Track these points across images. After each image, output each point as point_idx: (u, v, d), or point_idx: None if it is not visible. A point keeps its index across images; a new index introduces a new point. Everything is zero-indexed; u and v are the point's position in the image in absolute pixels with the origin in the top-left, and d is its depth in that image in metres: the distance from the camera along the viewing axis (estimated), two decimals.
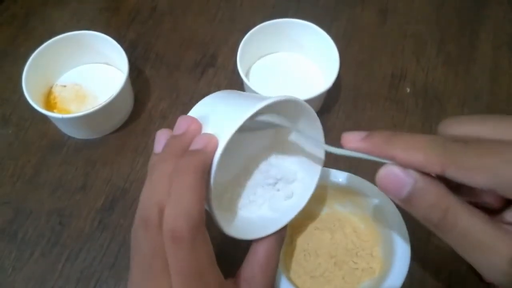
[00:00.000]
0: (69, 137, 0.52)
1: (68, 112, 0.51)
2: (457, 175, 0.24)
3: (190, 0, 0.62)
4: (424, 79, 0.56)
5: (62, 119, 0.48)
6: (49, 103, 0.52)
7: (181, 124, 0.29)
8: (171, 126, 0.52)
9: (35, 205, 0.48)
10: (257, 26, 0.51)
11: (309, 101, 0.47)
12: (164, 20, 0.61)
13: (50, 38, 0.50)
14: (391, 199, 0.28)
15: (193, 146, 0.27)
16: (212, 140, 0.27)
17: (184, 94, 0.55)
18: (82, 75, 0.55)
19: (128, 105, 0.53)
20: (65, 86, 0.54)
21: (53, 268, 0.44)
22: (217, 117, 0.29)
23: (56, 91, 0.53)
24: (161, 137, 0.30)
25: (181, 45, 0.59)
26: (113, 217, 0.47)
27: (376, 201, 0.41)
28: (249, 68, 0.55)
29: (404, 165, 0.26)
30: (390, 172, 0.26)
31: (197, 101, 0.54)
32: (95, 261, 0.45)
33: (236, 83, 0.55)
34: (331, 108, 0.54)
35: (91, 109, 0.46)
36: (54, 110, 0.51)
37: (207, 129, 0.29)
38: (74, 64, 0.55)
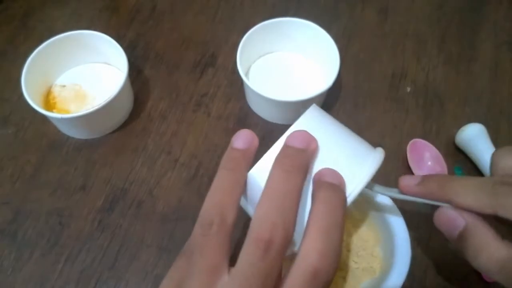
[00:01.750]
0: (69, 137, 0.52)
1: (68, 112, 0.51)
2: (508, 215, 0.27)
3: (190, 0, 0.62)
4: (424, 79, 0.56)
5: (62, 119, 0.47)
6: (48, 103, 0.52)
7: (299, 137, 0.27)
8: (170, 126, 0.52)
9: (34, 205, 0.48)
10: (257, 26, 0.51)
11: (309, 101, 0.47)
12: (164, 20, 0.61)
13: (49, 37, 0.50)
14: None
15: (335, 180, 0.26)
16: (344, 181, 0.26)
17: (184, 94, 0.55)
18: (81, 75, 0.54)
19: (127, 105, 0.53)
20: (64, 86, 0.54)
21: (52, 268, 0.44)
22: (333, 153, 0.27)
23: (56, 91, 0.53)
24: (244, 135, 0.28)
25: (180, 44, 0.58)
26: (113, 217, 0.47)
27: (376, 201, 0.41)
28: (249, 67, 0.55)
29: (458, 207, 0.29)
30: (444, 214, 0.30)
31: (196, 101, 0.54)
32: (94, 262, 0.45)
33: (236, 83, 0.55)
34: (332, 107, 0.54)
35: (91, 109, 0.46)
36: (54, 110, 0.51)
37: (324, 160, 0.27)
38: (73, 63, 0.54)
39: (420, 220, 0.46)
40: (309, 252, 0.22)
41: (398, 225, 0.39)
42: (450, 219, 0.30)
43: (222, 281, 0.22)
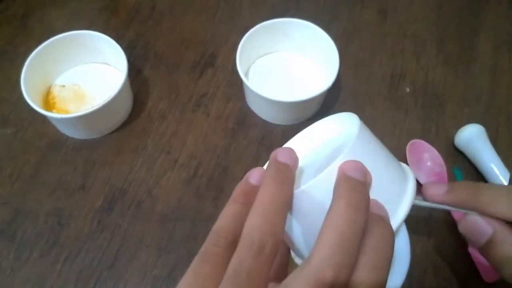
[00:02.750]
0: (68, 137, 0.52)
1: (67, 112, 0.51)
2: None
3: (189, 0, 0.62)
4: (423, 79, 0.56)
5: (61, 119, 0.47)
6: (48, 103, 0.52)
7: (358, 168, 0.25)
8: (170, 126, 0.52)
9: (34, 205, 0.48)
10: (257, 26, 0.51)
11: (309, 101, 0.48)
12: (163, 20, 0.61)
13: (49, 38, 0.50)
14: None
15: (383, 214, 0.25)
16: (388, 214, 0.25)
17: (184, 94, 0.55)
18: (81, 75, 0.54)
19: (127, 105, 0.53)
20: (64, 86, 0.54)
21: (52, 268, 0.44)
22: (377, 186, 0.26)
23: (55, 91, 0.53)
24: (289, 152, 0.26)
25: (180, 45, 0.58)
26: (112, 217, 0.47)
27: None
28: (249, 68, 0.55)
29: (486, 215, 0.29)
30: (472, 221, 0.30)
31: (196, 101, 0.54)
32: (94, 262, 0.45)
33: (235, 83, 0.55)
34: (331, 108, 0.54)
35: (90, 109, 0.46)
36: (53, 110, 0.51)
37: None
38: (73, 64, 0.54)
39: (419, 220, 0.47)
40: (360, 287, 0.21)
41: None
42: (478, 226, 0.30)
43: None
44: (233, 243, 0.23)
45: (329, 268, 0.21)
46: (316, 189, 0.24)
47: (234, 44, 0.54)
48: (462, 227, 0.31)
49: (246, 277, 0.21)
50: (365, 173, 0.25)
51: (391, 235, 0.23)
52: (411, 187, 0.27)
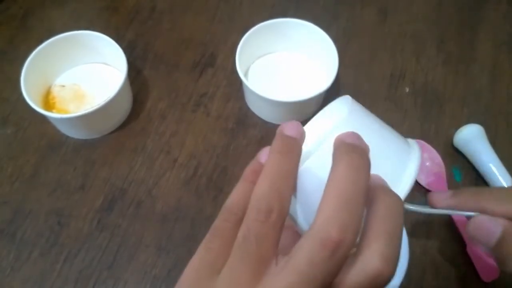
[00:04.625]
0: (68, 137, 0.52)
1: (67, 112, 0.51)
2: None
3: (189, 0, 0.62)
4: (423, 79, 0.56)
5: (61, 119, 0.48)
6: (47, 103, 0.52)
7: (356, 138, 0.25)
8: (169, 126, 0.52)
9: (34, 205, 0.48)
10: (256, 26, 0.51)
11: (308, 101, 0.48)
12: (163, 20, 0.61)
13: (49, 38, 0.50)
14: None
15: (383, 183, 0.25)
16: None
17: (183, 94, 0.55)
18: (81, 75, 0.54)
19: (126, 105, 0.53)
20: (63, 86, 0.54)
21: (51, 268, 0.44)
22: (377, 159, 0.25)
23: (55, 91, 0.53)
24: (296, 125, 0.26)
25: (180, 45, 0.58)
26: (112, 217, 0.47)
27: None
28: (248, 68, 0.55)
29: (493, 214, 0.29)
30: (479, 221, 0.30)
31: (196, 101, 0.54)
32: (93, 261, 0.45)
33: (235, 83, 0.55)
34: None
35: (90, 109, 0.46)
36: (53, 110, 0.51)
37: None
38: (72, 64, 0.55)
39: (418, 220, 0.47)
40: (372, 257, 0.21)
41: None
42: (487, 225, 0.30)
43: (270, 272, 0.21)
44: (242, 220, 0.23)
45: (334, 228, 0.20)
46: (315, 165, 0.24)
47: (233, 44, 0.54)
48: (470, 229, 0.31)
49: (255, 241, 0.21)
50: (361, 140, 0.24)
51: (400, 203, 0.23)
52: (415, 159, 0.26)
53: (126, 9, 0.61)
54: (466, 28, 0.60)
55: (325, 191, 0.22)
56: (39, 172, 0.49)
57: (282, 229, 0.22)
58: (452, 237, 0.46)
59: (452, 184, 0.48)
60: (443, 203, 0.32)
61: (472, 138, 0.49)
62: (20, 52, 0.56)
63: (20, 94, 0.47)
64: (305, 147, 0.26)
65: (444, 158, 0.49)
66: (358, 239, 0.22)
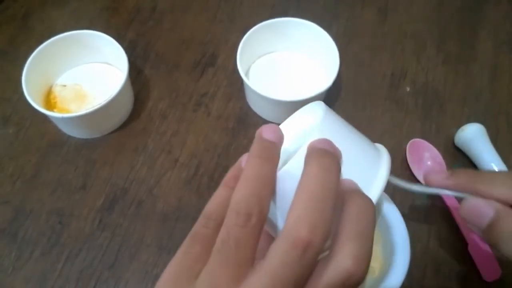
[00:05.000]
0: (69, 136, 0.52)
1: (68, 112, 0.51)
2: None
3: (190, 0, 0.62)
4: (424, 79, 0.56)
5: (62, 119, 0.48)
6: (49, 102, 0.52)
7: (328, 144, 0.25)
8: (170, 126, 0.52)
9: (35, 204, 0.48)
10: (257, 26, 0.51)
11: (309, 100, 0.47)
12: (164, 20, 0.61)
13: (50, 37, 0.50)
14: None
15: (355, 187, 0.25)
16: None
17: (184, 94, 0.55)
18: (82, 74, 0.55)
19: (127, 104, 0.53)
20: (65, 85, 0.54)
21: (53, 267, 0.44)
22: (348, 165, 0.26)
23: (56, 90, 0.53)
24: (274, 129, 0.26)
25: (181, 44, 0.59)
26: (113, 217, 0.47)
27: (376, 201, 0.41)
28: (249, 67, 0.55)
29: (487, 197, 0.30)
30: (473, 203, 0.30)
31: (196, 101, 0.54)
32: (95, 261, 0.45)
33: (236, 83, 0.55)
34: (331, 107, 0.53)
35: (91, 108, 0.46)
36: (54, 110, 0.51)
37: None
38: (74, 63, 0.55)
39: (419, 219, 0.47)
40: (343, 257, 0.21)
41: (398, 225, 0.39)
42: (480, 208, 0.30)
43: (248, 276, 0.21)
44: (221, 226, 0.23)
45: (304, 227, 0.21)
46: (292, 169, 0.25)
47: (234, 43, 0.54)
48: (463, 211, 0.31)
49: (234, 246, 0.22)
50: (333, 146, 0.25)
51: (371, 205, 0.23)
52: (384, 164, 0.27)
53: (126, 9, 0.61)
54: (467, 28, 0.60)
55: (296, 192, 0.22)
56: (40, 171, 0.50)
57: (261, 233, 0.22)
58: (454, 237, 0.46)
59: None
60: (439, 183, 0.33)
61: (473, 137, 0.49)
62: (21, 52, 0.56)
63: (21, 94, 0.47)
64: (283, 149, 0.26)
65: (445, 158, 0.49)
66: (330, 241, 0.22)
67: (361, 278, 0.21)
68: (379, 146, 0.30)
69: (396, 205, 0.41)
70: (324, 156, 0.24)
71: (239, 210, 0.22)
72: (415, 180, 0.48)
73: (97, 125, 0.50)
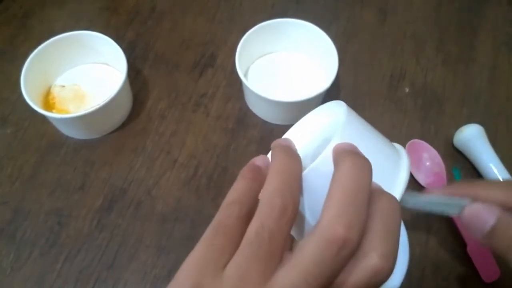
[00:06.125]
0: (68, 137, 0.52)
1: (67, 112, 0.51)
2: None
3: (189, 0, 0.62)
4: (423, 79, 0.56)
5: (61, 119, 0.48)
6: (47, 103, 0.52)
7: (354, 147, 0.25)
8: (169, 126, 0.52)
9: (33, 205, 0.48)
10: (256, 26, 0.51)
11: (308, 101, 0.48)
12: (163, 20, 0.61)
13: (49, 38, 0.50)
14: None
15: (380, 188, 0.25)
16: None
17: (183, 94, 0.55)
18: (81, 75, 0.54)
19: (126, 105, 0.53)
20: (63, 86, 0.54)
21: (51, 268, 0.44)
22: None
23: (55, 91, 0.53)
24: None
25: (180, 45, 0.58)
26: (111, 217, 0.47)
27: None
28: (248, 68, 0.55)
29: (486, 201, 0.30)
30: (474, 209, 0.30)
31: (196, 101, 0.54)
32: (93, 261, 0.45)
33: (235, 83, 0.55)
34: None
35: (90, 109, 0.46)
36: (53, 110, 0.51)
37: None
38: (72, 64, 0.55)
39: (419, 220, 0.47)
40: (372, 253, 0.21)
41: None
42: (481, 213, 0.30)
43: (279, 271, 0.21)
44: (246, 215, 0.23)
45: (340, 225, 0.21)
46: (318, 170, 0.25)
47: (233, 44, 0.54)
48: (465, 216, 0.31)
49: (268, 238, 0.21)
50: (358, 150, 0.25)
51: (397, 204, 0.23)
52: (404, 165, 0.27)
53: (126, 9, 0.61)
54: (466, 29, 0.60)
55: (329, 190, 0.22)
56: (39, 172, 0.49)
57: (292, 227, 0.22)
58: (453, 238, 0.46)
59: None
60: (438, 192, 0.33)
61: (472, 138, 0.49)
62: (20, 52, 0.56)
63: (20, 94, 0.47)
64: (300, 145, 0.26)
65: (444, 158, 0.49)
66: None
67: (388, 275, 0.21)
68: (398, 146, 0.30)
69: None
70: (357, 156, 0.24)
71: (274, 202, 0.22)
72: (414, 181, 0.48)
73: (96, 126, 0.50)
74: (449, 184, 0.34)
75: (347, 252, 0.21)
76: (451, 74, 0.56)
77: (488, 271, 0.43)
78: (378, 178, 0.25)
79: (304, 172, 0.25)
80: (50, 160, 0.50)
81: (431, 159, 0.49)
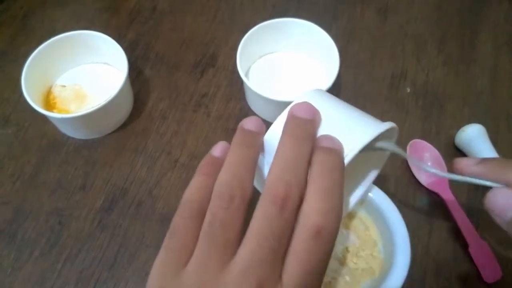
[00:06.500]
0: (69, 137, 0.52)
1: (68, 112, 0.51)
2: None
3: (190, 0, 0.62)
4: (424, 79, 0.56)
5: (62, 119, 0.48)
6: (48, 103, 0.52)
7: (307, 110, 0.28)
8: (170, 126, 0.52)
9: (34, 205, 0.48)
10: (257, 26, 0.51)
11: None
12: (164, 20, 0.61)
13: (49, 38, 0.50)
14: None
15: (332, 145, 0.26)
16: (342, 145, 0.27)
17: (184, 94, 0.55)
18: (81, 75, 0.54)
19: (127, 105, 0.53)
20: (64, 86, 0.54)
21: (52, 268, 0.44)
22: (334, 124, 0.28)
23: (56, 91, 0.53)
24: (255, 120, 0.29)
25: (181, 45, 0.58)
26: (112, 217, 0.47)
27: (376, 202, 0.41)
28: (249, 68, 0.55)
29: None
30: (499, 194, 0.29)
31: (196, 101, 0.54)
32: (94, 261, 0.45)
33: (236, 83, 0.55)
34: None
35: (91, 109, 0.46)
36: (54, 110, 0.51)
37: (326, 131, 0.28)
38: (73, 64, 0.55)
39: (420, 220, 0.46)
40: (310, 212, 0.23)
41: (398, 226, 0.39)
42: (505, 199, 0.28)
43: (237, 253, 0.23)
44: (199, 213, 0.24)
45: (279, 184, 0.23)
46: (274, 133, 0.27)
47: (234, 44, 0.54)
48: (489, 201, 0.29)
49: (220, 227, 0.23)
50: (311, 111, 0.27)
51: (337, 161, 0.25)
52: (377, 126, 0.28)
53: (126, 9, 0.61)
54: (467, 28, 0.60)
55: (274, 158, 0.25)
56: (40, 172, 0.49)
57: (245, 213, 0.24)
58: (454, 238, 0.45)
59: (454, 184, 0.48)
60: (468, 170, 0.31)
61: (473, 137, 0.49)
62: (20, 52, 0.56)
63: (21, 94, 0.47)
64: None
65: (445, 158, 0.49)
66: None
67: (333, 232, 0.23)
68: (389, 122, 0.29)
69: (396, 206, 0.40)
70: (298, 128, 0.26)
71: (222, 193, 0.24)
72: (415, 181, 0.48)
73: (96, 126, 0.50)
74: (481, 159, 0.31)
75: (290, 208, 0.23)
76: (452, 74, 0.56)
77: (490, 271, 0.43)
78: (341, 135, 0.27)
79: (265, 136, 0.28)
80: (51, 160, 0.50)
81: (432, 159, 0.49)
